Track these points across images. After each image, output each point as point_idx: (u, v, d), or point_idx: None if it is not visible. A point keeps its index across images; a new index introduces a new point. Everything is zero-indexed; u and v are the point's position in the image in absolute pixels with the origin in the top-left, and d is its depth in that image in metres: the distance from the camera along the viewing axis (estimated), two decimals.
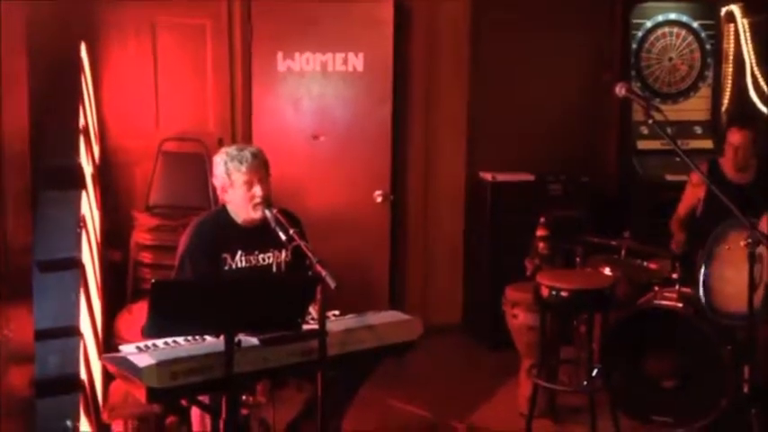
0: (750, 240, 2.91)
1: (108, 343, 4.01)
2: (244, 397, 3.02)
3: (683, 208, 4.52)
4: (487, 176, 5.39)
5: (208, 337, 2.87)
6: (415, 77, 5.47)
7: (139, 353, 2.73)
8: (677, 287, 4.18)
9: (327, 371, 2.78)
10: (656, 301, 4.15)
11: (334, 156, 5.31)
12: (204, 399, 2.92)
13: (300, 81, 5.27)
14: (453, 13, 5.48)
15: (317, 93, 5.30)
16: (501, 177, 5.35)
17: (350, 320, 3.12)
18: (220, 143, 4.81)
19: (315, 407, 2.84)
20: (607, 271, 4.31)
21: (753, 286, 2.92)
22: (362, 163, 5.34)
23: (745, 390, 3.08)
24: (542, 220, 4.39)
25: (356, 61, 5.28)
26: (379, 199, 5.34)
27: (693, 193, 4.45)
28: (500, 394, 4.59)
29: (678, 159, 3.12)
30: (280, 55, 5.22)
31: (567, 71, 5.64)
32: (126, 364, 2.69)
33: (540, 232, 4.37)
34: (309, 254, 2.83)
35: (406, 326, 3.19)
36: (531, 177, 5.38)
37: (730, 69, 5.80)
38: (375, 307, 3.40)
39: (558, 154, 5.53)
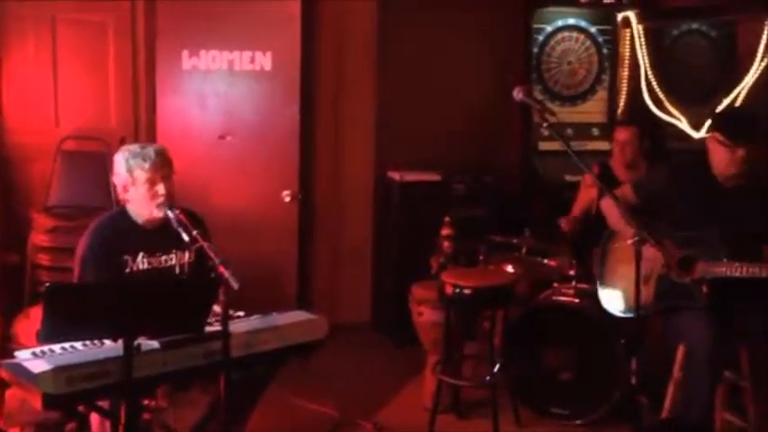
0: (636, 239, 3.06)
1: (5, 348, 3.88)
2: (146, 401, 2.99)
3: (577, 209, 4.68)
4: (395, 176, 5.46)
5: (107, 342, 2.82)
6: (323, 77, 5.49)
7: (35, 359, 2.67)
8: (574, 283, 4.37)
9: (231, 373, 2.77)
10: (555, 297, 4.31)
11: (241, 155, 5.27)
12: (104, 404, 2.87)
13: (206, 79, 5.21)
14: (361, 11, 5.53)
15: (223, 92, 5.25)
16: (408, 177, 5.42)
17: (254, 321, 3.12)
18: (122, 142, 4.69)
19: (219, 409, 2.83)
20: (509, 268, 4.44)
21: (639, 283, 3.06)
22: (270, 162, 5.32)
23: (633, 381, 3.24)
24: (447, 219, 4.49)
25: (264, 60, 5.25)
26: (288, 198, 5.33)
27: (587, 194, 4.61)
28: (406, 390, 4.67)
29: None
30: (185, 53, 5.14)
31: (472, 72, 5.77)
32: (20, 370, 2.62)
33: (444, 231, 4.46)
34: (212, 255, 2.82)
35: (311, 325, 3.20)
36: (437, 177, 5.48)
37: (626, 73, 6.04)
38: (283, 307, 3.38)
39: (463, 154, 5.64)
